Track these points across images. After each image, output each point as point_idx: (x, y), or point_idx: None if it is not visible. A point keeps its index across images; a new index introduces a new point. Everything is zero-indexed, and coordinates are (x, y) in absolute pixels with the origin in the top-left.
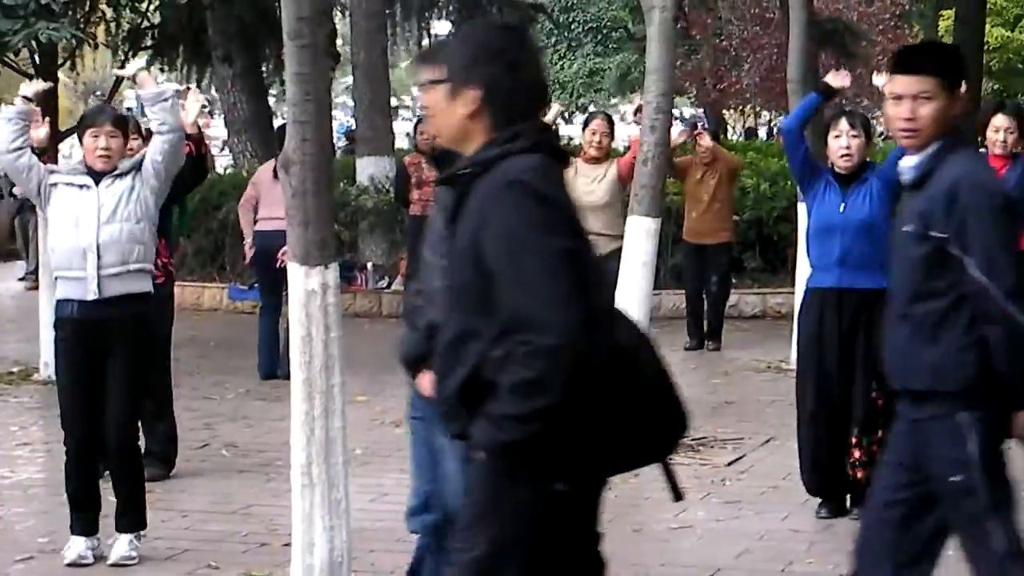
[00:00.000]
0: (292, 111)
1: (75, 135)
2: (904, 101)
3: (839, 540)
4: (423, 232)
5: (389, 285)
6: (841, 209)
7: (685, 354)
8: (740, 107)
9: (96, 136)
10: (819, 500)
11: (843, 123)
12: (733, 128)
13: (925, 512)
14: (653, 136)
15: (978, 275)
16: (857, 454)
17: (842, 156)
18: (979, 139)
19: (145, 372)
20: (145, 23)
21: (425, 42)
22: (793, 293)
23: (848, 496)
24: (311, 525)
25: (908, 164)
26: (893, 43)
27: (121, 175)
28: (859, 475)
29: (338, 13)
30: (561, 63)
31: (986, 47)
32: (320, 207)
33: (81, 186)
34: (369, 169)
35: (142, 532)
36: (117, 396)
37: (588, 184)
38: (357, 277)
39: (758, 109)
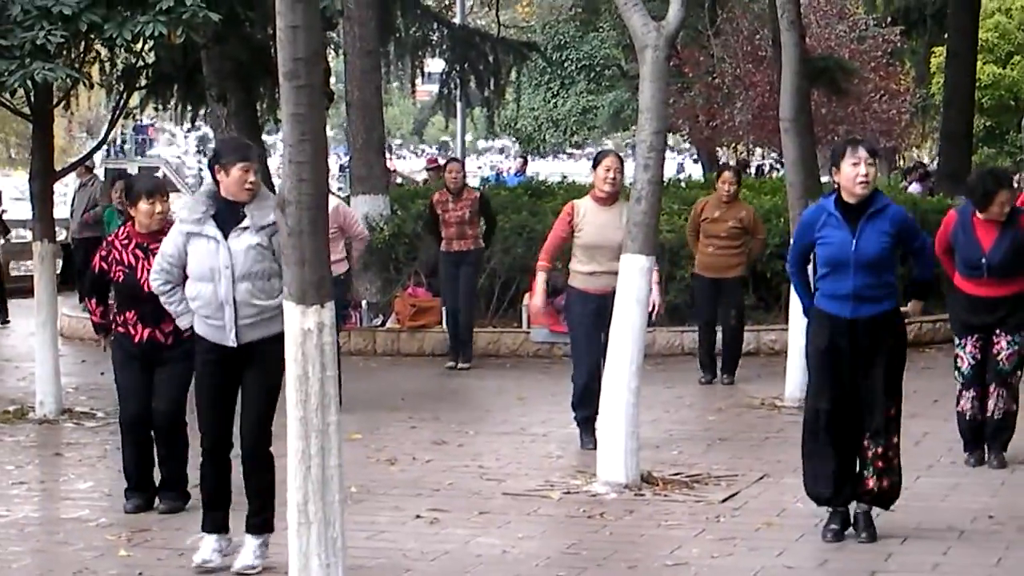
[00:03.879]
0: (289, 151)
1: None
2: None
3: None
4: (456, 266)
5: (383, 323)
6: (853, 246)
7: (680, 390)
8: (733, 144)
9: (246, 171)
10: (826, 521)
11: (861, 151)
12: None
13: None
14: (646, 174)
15: None
16: (881, 464)
17: (860, 183)
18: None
19: (279, 383)
20: (140, 63)
21: (419, 80)
22: (787, 330)
23: (862, 506)
24: (307, 563)
25: None
26: (885, 80)
27: (248, 228)
28: (884, 484)
29: (331, 51)
30: (554, 101)
31: (978, 84)
32: (316, 247)
33: (211, 238)
34: (364, 207)
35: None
36: (252, 402)
37: (610, 227)
38: (351, 315)
39: (751, 146)
